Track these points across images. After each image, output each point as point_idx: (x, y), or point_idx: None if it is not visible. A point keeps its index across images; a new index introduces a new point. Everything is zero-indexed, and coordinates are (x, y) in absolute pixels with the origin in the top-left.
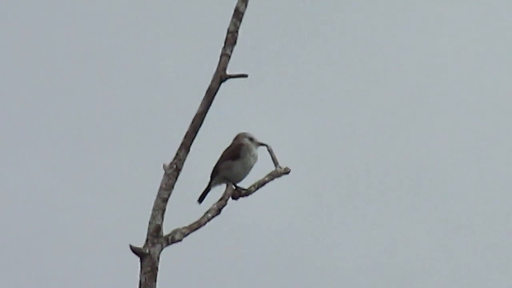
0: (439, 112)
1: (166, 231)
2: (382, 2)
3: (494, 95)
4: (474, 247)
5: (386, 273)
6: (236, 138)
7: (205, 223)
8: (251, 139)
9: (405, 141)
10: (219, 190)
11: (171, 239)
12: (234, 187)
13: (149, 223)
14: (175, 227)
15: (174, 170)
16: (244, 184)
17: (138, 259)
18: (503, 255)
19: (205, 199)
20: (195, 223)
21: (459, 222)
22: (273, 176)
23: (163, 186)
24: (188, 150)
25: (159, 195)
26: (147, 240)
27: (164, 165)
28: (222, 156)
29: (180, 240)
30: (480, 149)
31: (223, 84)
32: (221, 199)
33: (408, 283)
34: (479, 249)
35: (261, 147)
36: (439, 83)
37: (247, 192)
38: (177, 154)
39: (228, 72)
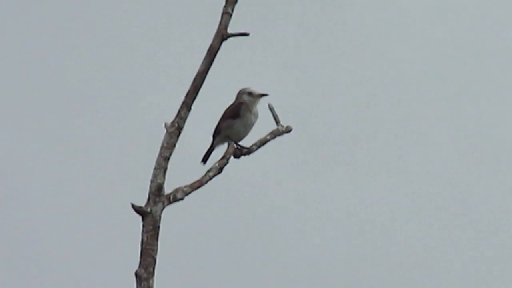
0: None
1: (167, 190)
2: None
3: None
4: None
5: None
6: (237, 95)
7: (206, 182)
8: (250, 93)
9: (392, 101)
10: (221, 149)
11: (173, 198)
12: (235, 146)
13: (151, 182)
14: (176, 186)
15: (175, 129)
16: (246, 142)
17: (140, 218)
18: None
19: (208, 158)
20: (196, 181)
21: (438, 181)
22: (274, 134)
23: (165, 144)
24: (189, 108)
25: (160, 153)
26: (148, 199)
27: (165, 124)
28: (223, 115)
29: (181, 199)
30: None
31: (224, 43)
32: (222, 157)
33: (386, 237)
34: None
35: (263, 103)
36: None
37: (248, 151)
38: (178, 112)
39: (229, 30)
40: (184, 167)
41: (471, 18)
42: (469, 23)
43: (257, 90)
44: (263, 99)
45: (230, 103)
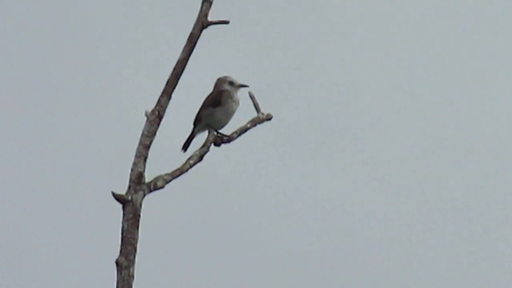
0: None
1: (148, 178)
2: None
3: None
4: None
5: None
6: (217, 83)
7: (187, 170)
8: (231, 82)
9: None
10: (201, 137)
11: (153, 186)
12: (216, 134)
13: (131, 170)
14: (157, 174)
15: (156, 117)
16: (226, 130)
17: (121, 206)
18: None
19: (189, 146)
20: (177, 169)
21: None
22: (255, 122)
23: (145, 133)
24: (170, 97)
25: (141, 142)
26: (129, 187)
27: (146, 112)
28: (204, 103)
29: (162, 187)
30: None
31: (204, 31)
32: (203, 145)
33: (364, 228)
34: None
35: (242, 90)
36: None
37: (229, 139)
38: (159, 100)
39: (209, 18)
40: (164, 155)
41: (444, 16)
42: (442, 20)
43: (237, 80)
44: (243, 89)
45: (210, 91)
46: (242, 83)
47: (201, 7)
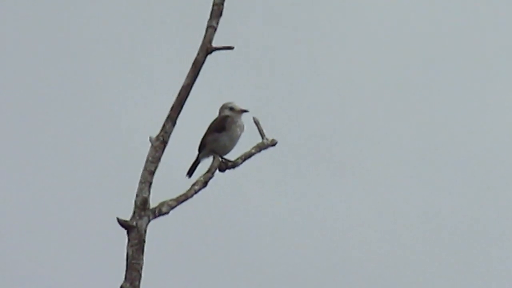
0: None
1: (153, 203)
2: None
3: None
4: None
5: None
6: (220, 109)
7: (192, 196)
8: (231, 108)
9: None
10: (206, 163)
11: (158, 212)
12: (220, 159)
13: (136, 195)
14: (162, 200)
15: (160, 143)
16: (231, 156)
17: (125, 231)
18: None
19: (194, 171)
20: (182, 195)
21: None
22: (259, 148)
23: (150, 158)
24: (174, 122)
25: (145, 167)
26: (134, 213)
27: (150, 138)
28: (208, 128)
29: (167, 213)
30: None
31: (209, 56)
32: (207, 171)
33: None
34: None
35: (248, 117)
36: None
37: (233, 164)
38: (163, 126)
39: (214, 44)
40: (169, 181)
41: (430, 22)
42: (427, 26)
43: (239, 105)
44: (247, 113)
45: (215, 117)
46: (243, 108)
47: (206, 33)
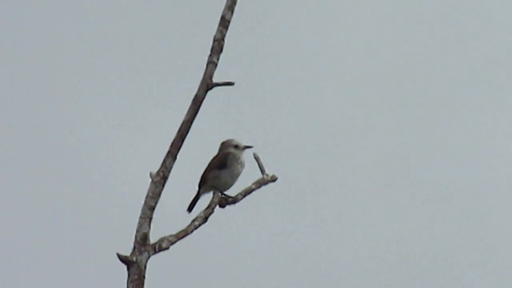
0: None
1: (153, 239)
2: None
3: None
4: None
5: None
6: (222, 146)
7: (192, 231)
8: (236, 146)
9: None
10: (206, 198)
11: (158, 247)
12: (221, 195)
13: (136, 231)
14: (162, 235)
15: (161, 178)
16: (231, 191)
17: (125, 267)
18: None
19: (194, 207)
20: (182, 231)
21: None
22: (260, 183)
23: (150, 194)
24: (175, 158)
25: (146, 203)
26: (134, 248)
27: (150, 174)
28: (209, 165)
29: (167, 248)
30: None
31: (209, 92)
32: (208, 207)
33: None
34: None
35: (248, 152)
36: None
37: (234, 200)
38: (163, 162)
39: (214, 80)
40: (169, 217)
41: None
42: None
43: (242, 142)
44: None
45: (215, 153)
46: (247, 144)
47: (206, 69)
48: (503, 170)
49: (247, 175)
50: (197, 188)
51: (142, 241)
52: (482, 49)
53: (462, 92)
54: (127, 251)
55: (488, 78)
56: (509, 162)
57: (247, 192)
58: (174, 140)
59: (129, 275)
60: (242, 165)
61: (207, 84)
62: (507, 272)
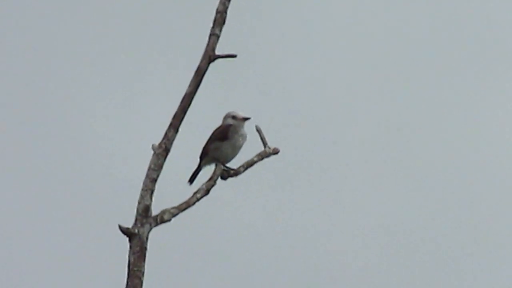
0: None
1: (155, 211)
2: None
3: None
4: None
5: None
6: (224, 118)
7: (194, 203)
8: (234, 117)
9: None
10: (208, 170)
11: (160, 219)
12: (223, 167)
13: (138, 203)
14: (164, 207)
15: (163, 150)
16: (233, 164)
17: (127, 239)
18: None
19: (195, 179)
20: (184, 203)
21: None
22: (262, 156)
23: (152, 166)
24: (177, 130)
25: (148, 175)
26: (136, 220)
27: (153, 146)
28: (210, 137)
29: (169, 220)
30: None
31: (212, 64)
32: (210, 179)
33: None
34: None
35: (250, 125)
36: None
37: (236, 172)
38: (166, 134)
39: (217, 52)
40: (171, 189)
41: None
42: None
43: (241, 113)
44: (250, 121)
45: (218, 125)
46: (246, 116)
47: (208, 41)
48: (497, 145)
49: (249, 148)
50: (198, 160)
51: (144, 213)
52: (484, 23)
53: (458, 68)
54: (129, 223)
55: (485, 54)
56: (504, 137)
57: (249, 164)
58: (176, 112)
59: (131, 247)
60: (244, 137)
61: (210, 56)
62: (498, 246)
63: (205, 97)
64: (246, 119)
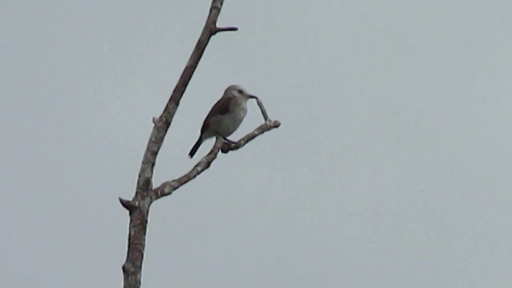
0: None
1: (155, 184)
2: None
3: None
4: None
5: None
6: (226, 91)
7: (194, 176)
8: (240, 91)
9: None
10: (208, 144)
11: (161, 192)
12: (223, 140)
13: (139, 176)
14: (164, 180)
15: (163, 123)
16: (234, 137)
17: (128, 212)
18: None
19: (196, 152)
20: (184, 176)
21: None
22: (262, 129)
23: (153, 139)
24: (177, 103)
25: (148, 148)
26: (136, 193)
27: (153, 118)
28: (211, 110)
29: (169, 193)
30: None
31: (212, 37)
32: (210, 152)
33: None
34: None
35: (250, 100)
36: None
37: (236, 146)
38: (166, 107)
39: (218, 25)
40: (171, 162)
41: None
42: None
43: (248, 90)
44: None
45: (218, 98)
46: (252, 93)
47: (209, 14)
48: (500, 123)
49: (250, 121)
50: (199, 133)
51: (144, 186)
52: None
53: (459, 47)
54: (129, 196)
55: (490, 35)
56: (504, 115)
57: (250, 137)
58: (177, 85)
59: (131, 220)
60: (244, 111)
61: (210, 29)
62: (496, 223)
63: (206, 71)
64: (252, 97)
